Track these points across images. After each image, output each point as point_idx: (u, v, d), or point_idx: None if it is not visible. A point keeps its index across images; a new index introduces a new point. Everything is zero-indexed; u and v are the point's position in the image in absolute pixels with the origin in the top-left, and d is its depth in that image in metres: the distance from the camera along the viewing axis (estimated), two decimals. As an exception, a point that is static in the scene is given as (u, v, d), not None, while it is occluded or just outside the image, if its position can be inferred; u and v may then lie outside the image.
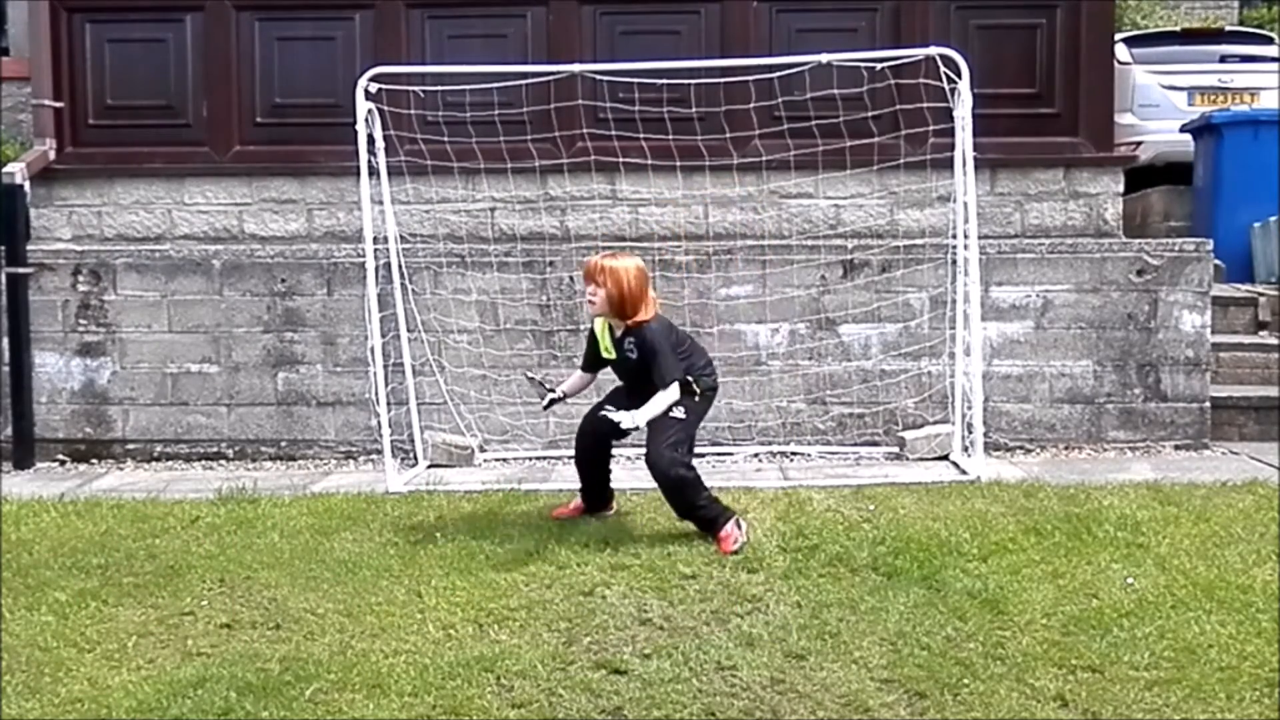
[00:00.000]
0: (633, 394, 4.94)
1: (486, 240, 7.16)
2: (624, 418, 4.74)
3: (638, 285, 4.82)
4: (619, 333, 4.93)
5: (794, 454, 6.67)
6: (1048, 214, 7.26)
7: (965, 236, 6.19)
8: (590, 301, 4.89)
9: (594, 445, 5.14)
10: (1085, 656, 3.59)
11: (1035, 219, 7.27)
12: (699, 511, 4.83)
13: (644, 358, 4.83)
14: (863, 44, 7.02)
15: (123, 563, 4.71)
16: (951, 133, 6.31)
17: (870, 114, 6.73)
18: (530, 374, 5.52)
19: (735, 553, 4.62)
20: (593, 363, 5.19)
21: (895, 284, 6.76)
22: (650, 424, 4.79)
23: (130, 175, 7.46)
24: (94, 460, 6.90)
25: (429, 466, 6.49)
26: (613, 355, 4.99)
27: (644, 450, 4.87)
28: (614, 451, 5.23)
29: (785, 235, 7.05)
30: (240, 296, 6.87)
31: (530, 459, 6.69)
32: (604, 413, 4.86)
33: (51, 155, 7.42)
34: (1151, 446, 6.71)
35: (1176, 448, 6.69)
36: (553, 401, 5.23)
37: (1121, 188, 7.37)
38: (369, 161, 6.27)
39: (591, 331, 5.13)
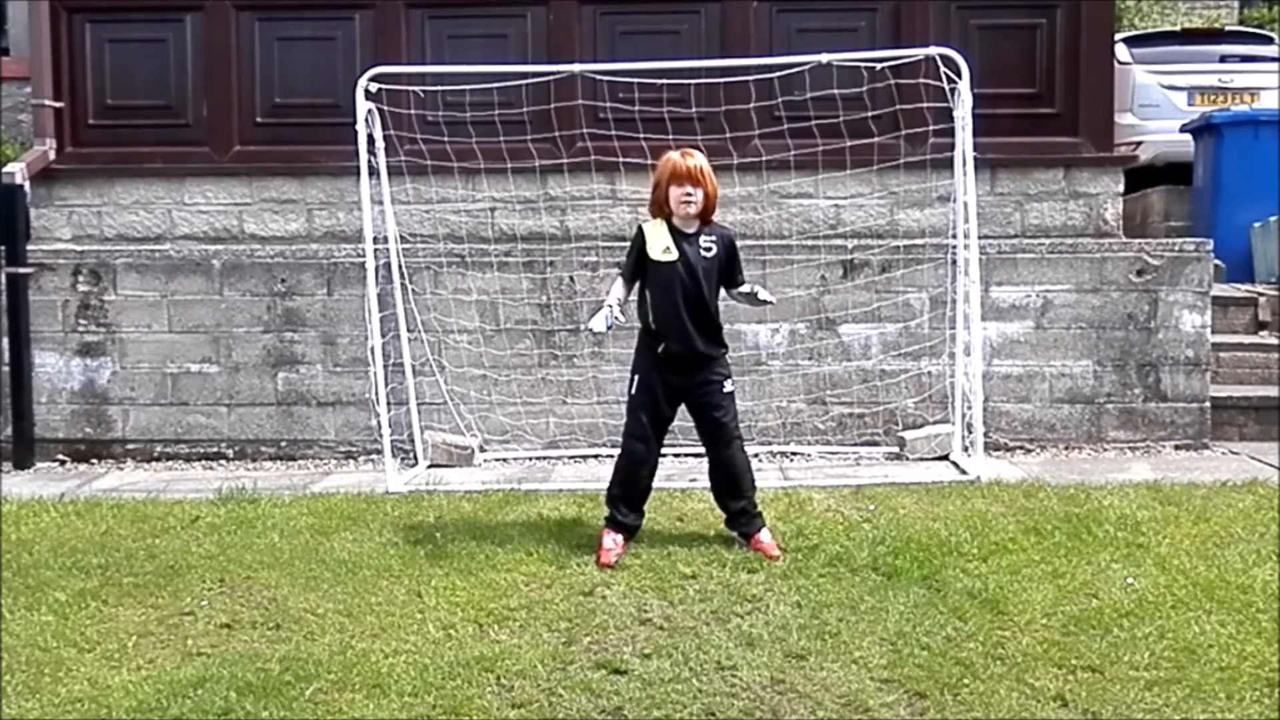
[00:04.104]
0: (682, 301, 4.64)
1: (486, 240, 7.16)
2: (767, 295, 4.81)
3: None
4: (691, 229, 4.70)
5: (794, 454, 6.67)
6: (1048, 214, 7.26)
7: (965, 236, 6.19)
8: (688, 203, 4.62)
9: (657, 446, 4.84)
10: (1085, 656, 3.60)
11: (1035, 219, 7.27)
12: (753, 503, 4.81)
13: (729, 252, 4.76)
14: (863, 44, 7.02)
15: (123, 563, 4.71)
16: (951, 133, 6.31)
17: (870, 114, 6.73)
18: (611, 314, 4.70)
19: (776, 558, 4.58)
20: (637, 270, 4.77)
21: (895, 284, 6.76)
22: (725, 401, 4.76)
23: (130, 175, 7.46)
24: (94, 460, 6.90)
25: (429, 466, 6.49)
26: (672, 256, 4.66)
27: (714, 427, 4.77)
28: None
29: (785, 235, 7.05)
30: (240, 296, 6.87)
31: (530, 459, 6.69)
32: (755, 289, 4.80)
33: (51, 155, 7.42)
34: (1151, 446, 6.71)
35: (1176, 448, 6.69)
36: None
37: (1121, 188, 7.37)
38: (369, 161, 6.28)
39: (640, 235, 4.76)
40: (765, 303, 4.91)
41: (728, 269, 4.79)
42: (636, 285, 4.81)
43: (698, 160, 4.67)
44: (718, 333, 4.80)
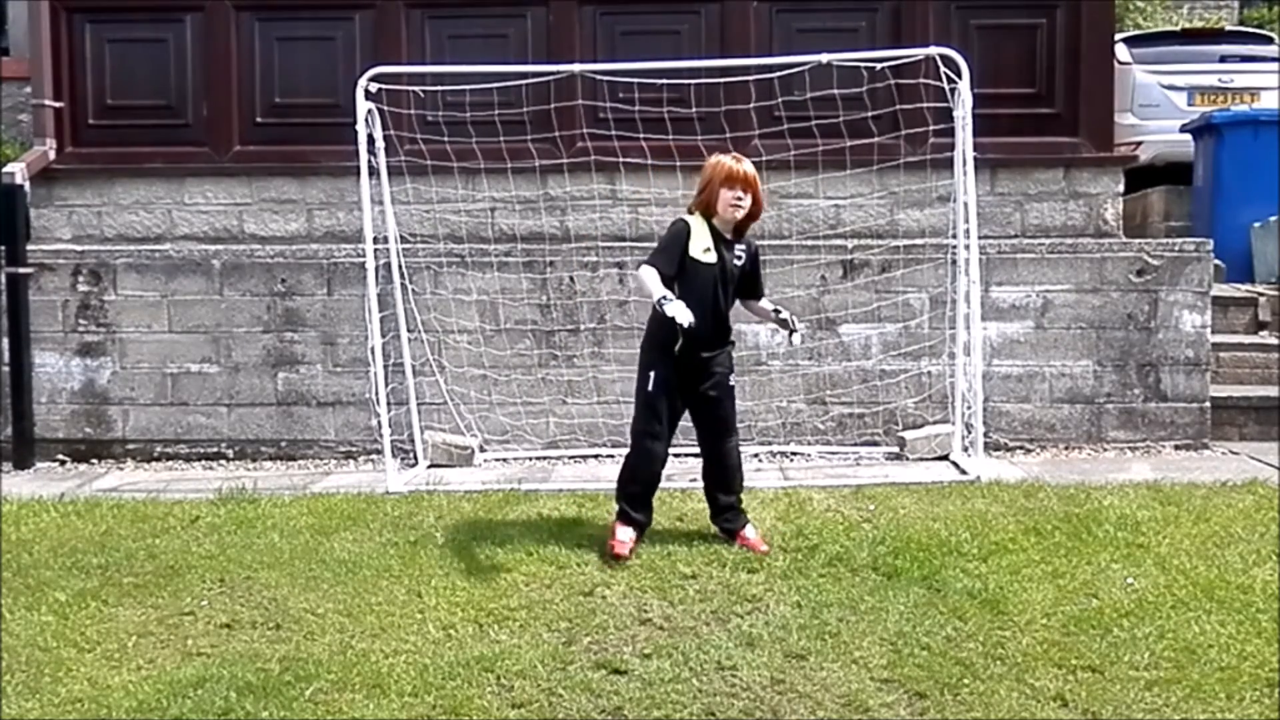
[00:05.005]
0: (711, 304, 4.62)
1: (486, 240, 7.16)
2: (798, 332, 4.91)
3: None
4: (729, 235, 4.71)
5: (794, 454, 6.67)
6: (1048, 214, 7.26)
7: (965, 236, 6.19)
8: (738, 206, 4.61)
9: (669, 443, 4.83)
10: (1085, 656, 3.60)
11: (1035, 219, 7.27)
12: (739, 499, 4.87)
13: (754, 264, 4.85)
14: (863, 44, 7.02)
15: (123, 563, 4.71)
16: (951, 133, 6.31)
17: (870, 114, 6.73)
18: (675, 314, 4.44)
19: (765, 552, 4.64)
20: (679, 266, 4.61)
21: (895, 284, 6.76)
22: (728, 396, 4.84)
23: (130, 175, 7.46)
24: (94, 460, 6.90)
25: (429, 466, 6.49)
26: (712, 259, 4.63)
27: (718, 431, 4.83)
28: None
29: (785, 235, 7.05)
30: (240, 296, 6.87)
31: (530, 459, 6.68)
32: (784, 316, 4.88)
33: (51, 155, 7.42)
34: (1151, 446, 6.71)
35: (1176, 448, 6.69)
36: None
37: (1121, 188, 7.37)
38: (369, 161, 6.27)
39: (686, 230, 4.64)
40: (791, 327, 4.89)
41: (750, 279, 4.87)
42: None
43: (751, 168, 4.68)
44: (728, 333, 4.88)
